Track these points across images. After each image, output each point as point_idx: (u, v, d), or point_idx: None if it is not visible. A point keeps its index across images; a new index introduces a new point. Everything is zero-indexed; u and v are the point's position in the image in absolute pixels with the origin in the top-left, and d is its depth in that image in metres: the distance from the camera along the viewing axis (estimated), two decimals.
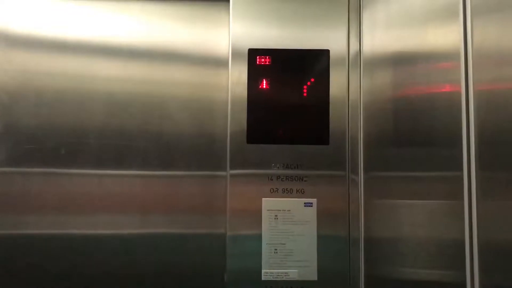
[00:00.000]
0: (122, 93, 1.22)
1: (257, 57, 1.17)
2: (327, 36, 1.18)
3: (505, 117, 0.69)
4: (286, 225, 1.13)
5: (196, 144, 1.21)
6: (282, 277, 1.12)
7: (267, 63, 1.17)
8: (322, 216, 1.14)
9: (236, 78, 1.17)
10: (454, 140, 0.79)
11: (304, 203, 1.14)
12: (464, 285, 0.75)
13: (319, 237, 1.13)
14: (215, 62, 1.23)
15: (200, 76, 1.23)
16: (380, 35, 1.11)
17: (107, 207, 1.19)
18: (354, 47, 1.18)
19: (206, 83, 1.23)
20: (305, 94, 1.17)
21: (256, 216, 1.14)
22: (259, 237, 1.13)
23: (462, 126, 0.77)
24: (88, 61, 1.22)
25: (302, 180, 1.15)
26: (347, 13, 1.18)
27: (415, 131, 0.95)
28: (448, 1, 0.82)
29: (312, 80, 1.17)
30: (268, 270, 1.12)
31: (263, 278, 1.12)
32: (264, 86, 1.17)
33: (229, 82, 1.17)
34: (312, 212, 1.14)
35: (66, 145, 1.20)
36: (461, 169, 0.77)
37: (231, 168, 1.15)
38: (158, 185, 1.21)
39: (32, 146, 1.19)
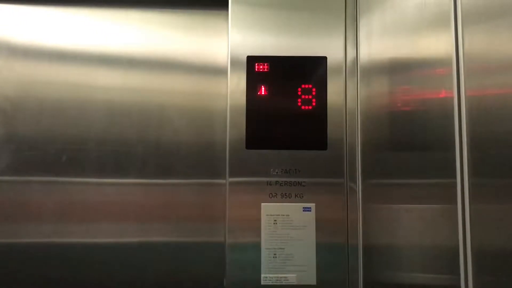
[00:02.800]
0: (121, 102, 1.23)
1: (256, 64, 1.18)
2: (324, 44, 1.19)
3: (495, 122, 0.70)
4: (285, 229, 1.14)
5: (195, 152, 1.22)
6: (281, 282, 1.13)
7: (265, 70, 1.19)
8: (321, 221, 1.14)
9: (235, 85, 1.18)
10: (447, 146, 0.80)
11: (303, 207, 1.15)
12: None
13: (318, 242, 1.14)
14: (214, 71, 1.24)
15: (198, 85, 1.24)
16: (376, 43, 1.13)
17: (106, 216, 1.20)
18: (351, 54, 1.19)
19: (204, 92, 1.24)
20: (303, 100, 1.18)
21: (255, 223, 1.14)
22: (258, 245, 1.14)
23: (454, 132, 0.78)
24: (87, 70, 1.23)
25: (300, 185, 1.16)
26: (344, 21, 1.20)
27: (411, 138, 0.96)
28: (440, 10, 0.84)
29: (310, 86, 1.18)
30: (267, 275, 1.13)
31: (262, 283, 1.13)
32: (263, 93, 1.18)
33: (228, 89, 1.18)
34: (310, 216, 1.15)
35: (66, 153, 1.21)
36: (455, 175, 0.78)
37: (230, 176, 1.16)
38: (157, 194, 1.21)
39: (33, 153, 1.20)
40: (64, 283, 1.19)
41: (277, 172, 1.16)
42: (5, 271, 1.19)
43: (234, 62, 1.19)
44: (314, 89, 1.18)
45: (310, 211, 1.15)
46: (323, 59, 1.19)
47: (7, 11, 1.25)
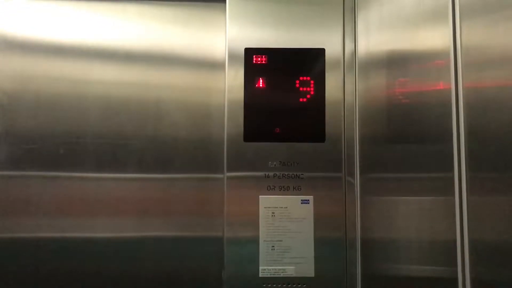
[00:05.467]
0: (119, 96, 1.22)
1: (254, 56, 1.18)
2: (322, 36, 1.19)
3: (492, 114, 0.70)
4: (283, 222, 1.15)
5: (193, 147, 1.22)
6: (280, 274, 1.14)
7: (263, 62, 1.19)
8: (319, 214, 1.15)
9: (233, 78, 1.18)
10: (445, 139, 0.80)
11: (301, 200, 1.15)
12: (456, 280, 0.77)
13: (316, 234, 1.14)
14: (211, 64, 1.24)
15: (196, 78, 1.24)
16: (375, 36, 1.12)
17: (104, 210, 1.20)
18: (349, 47, 1.19)
19: (202, 86, 1.24)
20: (301, 92, 1.18)
21: (253, 217, 1.15)
22: (256, 237, 1.14)
23: (452, 124, 0.78)
24: (85, 64, 1.23)
25: (298, 177, 1.16)
26: (342, 14, 1.20)
27: (409, 131, 0.97)
28: (437, 3, 0.84)
29: (308, 78, 1.18)
30: (265, 267, 1.13)
31: (260, 275, 1.13)
32: (261, 85, 1.18)
33: (226, 82, 1.18)
34: (308, 209, 1.15)
35: (64, 148, 1.20)
36: (452, 167, 0.78)
37: (228, 169, 1.16)
38: (155, 188, 1.21)
39: (30, 148, 1.20)
40: (62, 277, 1.19)
41: (275, 165, 1.16)
42: (3, 266, 1.19)
43: (232, 55, 1.18)
44: (312, 82, 1.18)
45: (308, 203, 1.15)
46: (321, 51, 1.19)
47: (4, 5, 1.24)
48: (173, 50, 1.24)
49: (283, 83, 1.18)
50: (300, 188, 1.16)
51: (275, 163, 1.16)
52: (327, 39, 1.19)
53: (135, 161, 1.21)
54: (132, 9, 1.25)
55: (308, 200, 1.15)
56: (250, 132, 1.17)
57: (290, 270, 1.14)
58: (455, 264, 0.77)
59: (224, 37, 1.20)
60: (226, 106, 1.17)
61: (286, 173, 1.16)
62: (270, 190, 1.16)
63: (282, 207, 1.15)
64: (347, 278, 1.14)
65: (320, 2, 1.20)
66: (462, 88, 0.77)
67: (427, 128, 0.88)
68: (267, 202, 1.15)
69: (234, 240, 1.14)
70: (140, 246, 1.20)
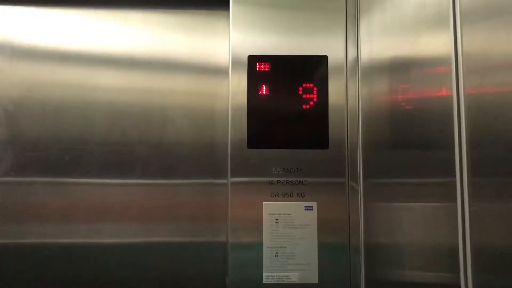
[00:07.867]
0: (123, 103, 1.23)
1: (257, 63, 1.19)
2: (325, 43, 1.20)
3: (493, 120, 0.70)
4: (287, 228, 1.15)
5: (197, 153, 1.23)
6: (284, 280, 1.13)
7: (266, 69, 1.19)
8: (323, 220, 1.15)
9: (236, 84, 1.18)
10: (447, 145, 0.80)
11: (305, 206, 1.15)
12: (458, 286, 0.76)
13: (320, 240, 1.14)
14: (215, 71, 1.25)
15: (200, 85, 1.25)
16: (377, 42, 1.13)
17: (109, 216, 1.21)
18: (352, 53, 1.20)
19: (206, 92, 1.25)
20: (304, 99, 1.18)
21: (257, 223, 1.15)
22: (260, 244, 1.14)
23: (454, 131, 0.78)
24: (90, 71, 1.24)
25: (302, 184, 1.16)
26: (345, 21, 1.20)
27: (412, 137, 0.97)
28: (439, 9, 0.84)
29: (311, 85, 1.18)
30: (269, 274, 1.13)
31: (264, 282, 1.13)
32: (264, 92, 1.18)
33: (230, 89, 1.18)
34: (312, 215, 1.15)
35: (69, 154, 1.21)
36: (454, 173, 0.78)
37: (232, 176, 1.16)
38: (159, 194, 1.22)
39: (36, 154, 1.21)
40: (67, 283, 1.20)
41: (278, 171, 1.16)
42: (9, 272, 1.20)
43: (235, 62, 1.19)
44: (315, 88, 1.18)
45: (312, 210, 1.15)
46: (324, 58, 1.19)
47: (10, 12, 1.26)
48: (177, 56, 1.25)
49: (286, 90, 1.19)
50: (304, 195, 1.16)
51: (278, 169, 1.17)
52: (330, 45, 1.19)
53: (140, 167, 1.22)
54: (137, 17, 1.26)
55: (312, 206, 1.15)
56: (253, 139, 1.17)
57: (294, 277, 1.13)
58: (457, 270, 0.77)
59: (228, 44, 1.20)
60: (229, 112, 1.18)
61: (289, 180, 1.16)
62: (274, 196, 1.16)
63: (285, 214, 1.15)
64: (351, 284, 1.14)
65: (322, 9, 1.20)
66: (464, 94, 0.77)
67: (430, 134, 0.88)
68: (271, 208, 1.15)
69: (238, 245, 1.14)
70: (145, 252, 1.20)
